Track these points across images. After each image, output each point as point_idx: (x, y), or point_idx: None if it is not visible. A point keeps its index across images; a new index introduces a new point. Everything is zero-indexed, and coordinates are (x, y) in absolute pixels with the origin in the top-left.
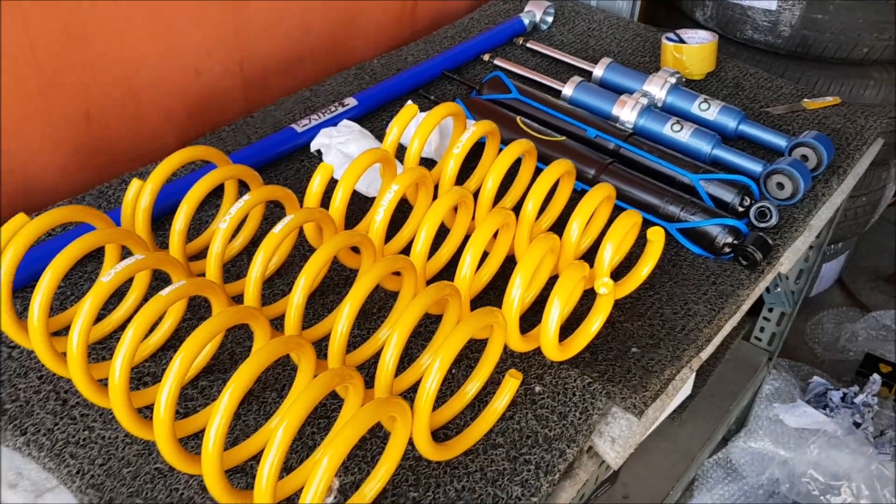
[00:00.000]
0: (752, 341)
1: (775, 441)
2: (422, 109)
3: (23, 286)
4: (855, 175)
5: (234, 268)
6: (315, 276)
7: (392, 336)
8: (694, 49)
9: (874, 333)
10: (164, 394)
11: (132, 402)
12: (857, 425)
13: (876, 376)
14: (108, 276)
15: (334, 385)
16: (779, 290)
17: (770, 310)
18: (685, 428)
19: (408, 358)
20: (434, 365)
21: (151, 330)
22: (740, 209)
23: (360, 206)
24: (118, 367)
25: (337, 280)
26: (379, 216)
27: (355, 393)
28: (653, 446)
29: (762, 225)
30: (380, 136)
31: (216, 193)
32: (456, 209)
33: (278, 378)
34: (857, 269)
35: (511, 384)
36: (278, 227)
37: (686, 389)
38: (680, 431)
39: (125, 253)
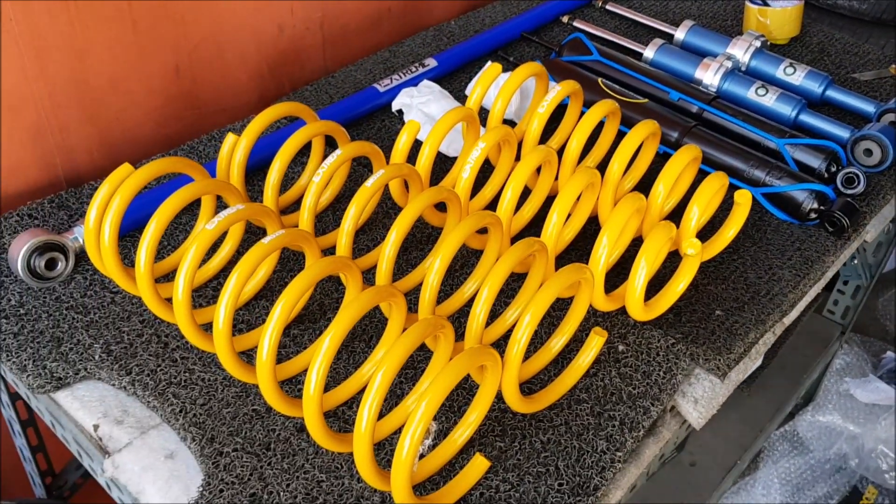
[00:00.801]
0: (825, 314)
1: (844, 416)
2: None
3: (123, 235)
4: None
5: (320, 223)
6: (406, 229)
7: (484, 288)
8: (778, 12)
9: None
10: (267, 338)
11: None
12: None
13: None
14: (213, 224)
15: (430, 333)
16: (856, 261)
17: (845, 283)
18: (754, 399)
19: (493, 315)
20: (525, 317)
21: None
22: (826, 175)
23: (440, 165)
24: (223, 311)
25: (420, 237)
26: (465, 173)
27: (446, 342)
28: (721, 415)
29: (849, 192)
30: (459, 97)
31: (302, 151)
32: (539, 169)
33: (366, 329)
34: None
35: (597, 341)
36: (371, 181)
37: (757, 360)
38: (749, 402)
39: (220, 205)
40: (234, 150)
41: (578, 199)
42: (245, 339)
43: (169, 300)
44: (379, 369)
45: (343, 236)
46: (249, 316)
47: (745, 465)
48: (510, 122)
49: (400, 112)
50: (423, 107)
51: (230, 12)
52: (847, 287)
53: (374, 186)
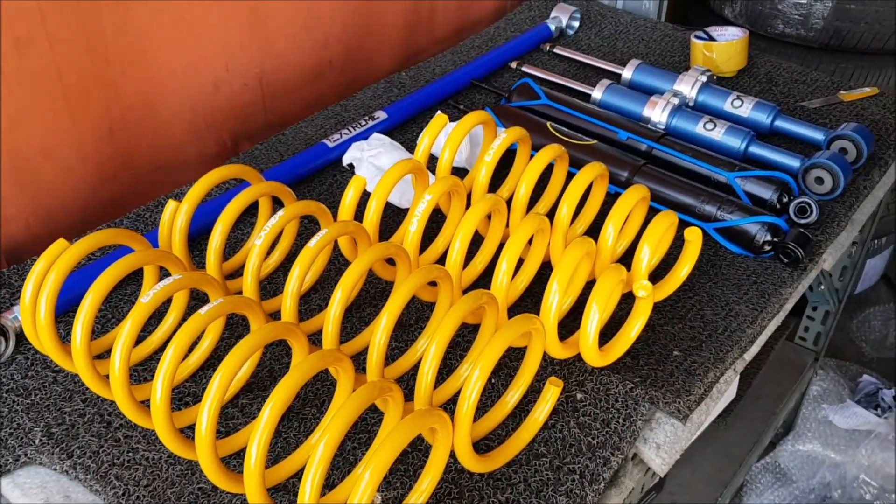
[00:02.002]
0: (796, 341)
1: (825, 443)
2: (451, 119)
3: (65, 311)
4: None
5: (271, 285)
6: (351, 289)
7: (429, 348)
8: (724, 46)
9: None
10: (205, 413)
11: (174, 422)
12: None
13: None
14: (147, 297)
15: (373, 398)
16: (822, 287)
17: (814, 308)
18: (732, 432)
19: (447, 369)
20: (473, 375)
21: (191, 350)
22: (779, 206)
23: (393, 217)
24: (159, 387)
25: (373, 293)
26: (413, 227)
27: (395, 406)
28: (699, 451)
29: (802, 221)
30: (411, 148)
31: (251, 212)
32: (490, 217)
33: (318, 394)
34: None
35: (552, 392)
36: (313, 241)
37: (731, 393)
38: (726, 436)
39: (164, 274)
40: (175, 216)
41: (531, 244)
42: (190, 414)
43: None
44: (318, 442)
45: (287, 299)
46: (196, 388)
47: (726, 501)
48: (462, 171)
49: (351, 166)
50: (373, 160)
51: (163, 73)
52: (816, 313)
53: (317, 247)
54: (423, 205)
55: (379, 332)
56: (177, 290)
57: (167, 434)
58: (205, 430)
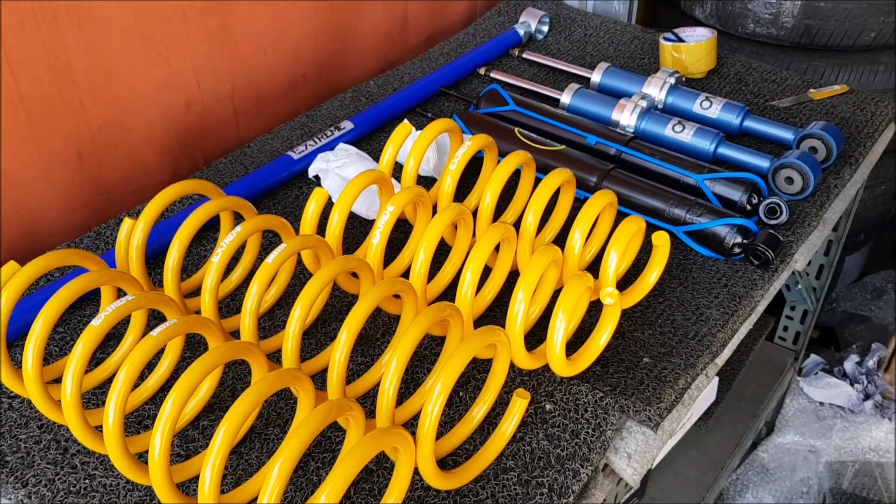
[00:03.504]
0: (776, 341)
1: (801, 433)
2: (420, 127)
3: (21, 335)
4: (868, 164)
5: (235, 301)
6: (310, 306)
7: (390, 364)
8: (692, 47)
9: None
10: (158, 437)
11: (130, 447)
12: (868, 396)
13: (876, 344)
14: (98, 320)
15: (330, 419)
16: (799, 287)
17: (792, 308)
18: (713, 435)
19: (414, 383)
20: (434, 391)
21: (152, 370)
22: (749, 207)
23: (360, 229)
24: (111, 412)
25: (339, 307)
26: (376, 239)
27: (356, 425)
28: (680, 456)
29: (773, 222)
30: (378, 158)
31: (216, 227)
32: (456, 227)
33: (281, 413)
34: (883, 260)
35: (519, 405)
36: (271, 257)
37: (710, 395)
38: (708, 439)
39: (121, 295)
40: (132, 234)
41: (499, 253)
42: (145, 438)
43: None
44: (273, 465)
45: (246, 317)
46: (156, 411)
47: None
48: (431, 180)
49: (317, 178)
50: (339, 171)
51: (132, 93)
52: (795, 312)
53: (275, 263)
54: (385, 216)
55: (339, 350)
56: (129, 312)
57: (121, 460)
58: (158, 455)
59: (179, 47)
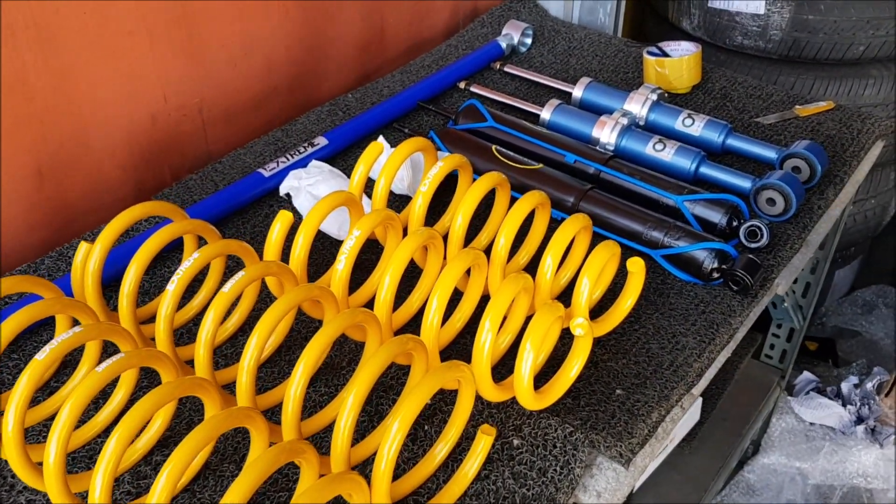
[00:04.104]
0: (762, 359)
1: (788, 454)
2: (397, 142)
3: None
4: (854, 183)
5: (197, 326)
6: (266, 339)
7: (345, 404)
8: (676, 62)
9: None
10: (98, 478)
11: (75, 484)
12: (861, 420)
13: (878, 368)
14: (42, 354)
15: (280, 463)
16: (785, 305)
17: (779, 326)
18: (697, 456)
19: (378, 415)
20: (390, 432)
21: (108, 399)
22: (728, 230)
23: (331, 249)
24: (52, 450)
25: (305, 333)
26: (340, 265)
27: (308, 469)
28: (663, 478)
29: (753, 245)
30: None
31: (181, 249)
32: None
33: (238, 448)
34: (874, 274)
35: (484, 443)
36: (228, 286)
37: (694, 415)
38: (691, 460)
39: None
40: (87, 259)
41: (470, 278)
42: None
43: None
44: None
45: (200, 348)
46: None
47: None
48: (406, 199)
49: (289, 196)
50: (311, 189)
51: (93, 108)
52: (781, 330)
53: (231, 292)
54: (350, 241)
55: (294, 385)
56: (76, 345)
57: (61, 499)
58: (98, 495)
59: (144, 61)
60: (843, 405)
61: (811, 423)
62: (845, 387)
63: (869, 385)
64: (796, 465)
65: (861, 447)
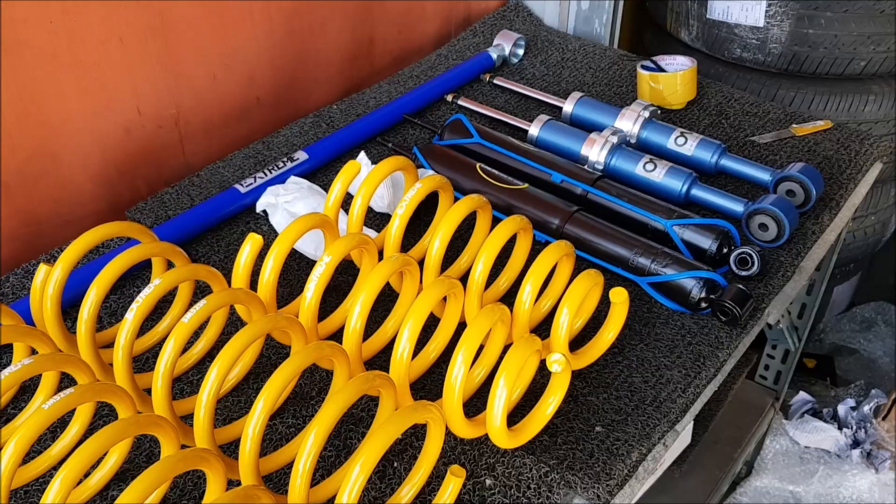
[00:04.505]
0: (756, 380)
1: (781, 477)
2: (380, 156)
3: None
4: (850, 206)
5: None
6: (226, 372)
7: (304, 447)
8: (670, 77)
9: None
10: None
11: None
12: (857, 443)
13: (876, 391)
14: None
15: None
16: (780, 326)
17: (773, 346)
18: (687, 480)
19: (346, 450)
20: (351, 476)
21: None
22: (718, 257)
23: (306, 270)
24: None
25: (276, 360)
26: (309, 293)
27: None
28: (652, 502)
29: (744, 273)
30: None
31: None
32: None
33: (198, 483)
34: (873, 290)
35: (453, 485)
36: (188, 316)
37: (686, 438)
38: (682, 483)
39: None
40: (46, 283)
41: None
42: None
43: None
44: None
45: (158, 381)
46: None
47: None
48: (387, 218)
49: (266, 212)
50: (288, 206)
51: (64, 120)
52: (776, 351)
53: (192, 323)
54: (320, 268)
55: (252, 423)
56: (26, 377)
57: None
58: None
59: (116, 72)
60: (840, 428)
61: (806, 447)
62: (842, 409)
63: (866, 408)
64: (790, 489)
65: (856, 471)
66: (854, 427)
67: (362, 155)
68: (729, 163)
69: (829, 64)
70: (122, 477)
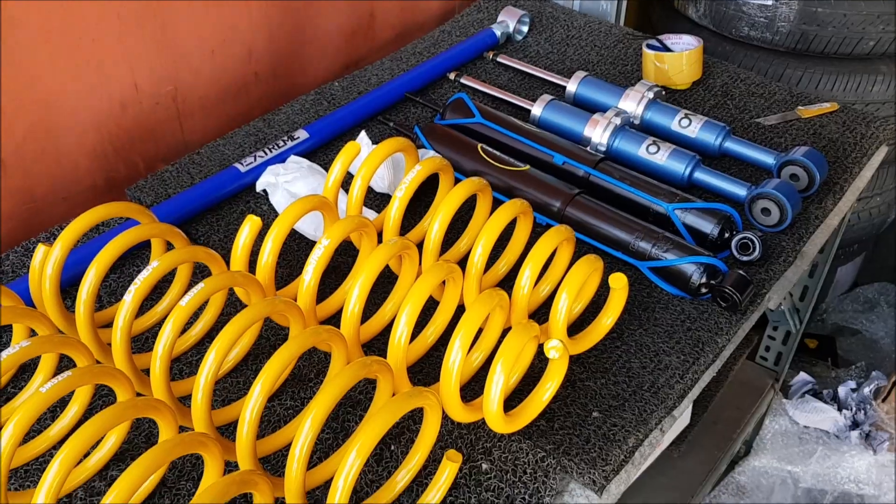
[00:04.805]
0: (757, 360)
1: (780, 457)
2: (381, 136)
3: None
4: (854, 190)
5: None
6: (224, 355)
7: (300, 433)
8: (676, 57)
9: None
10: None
11: (19, 499)
12: (856, 424)
13: (877, 372)
14: None
15: (232, 495)
16: (782, 308)
17: (775, 328)
18: (686, 460)
19: (343, 432)
20: (347, 461)
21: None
22: (720, 241)
23: (306, 251)
24: None
25: (274, 341)
26: (308, 276)
27: (262, 498)
28: (650, 482)
29: (745, 258)
30: None
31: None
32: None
33: (196, 465)
34: (877, 271)
35: (449, 470)
36: (186, 300)
37: (684, 419)
38: (680, 464)
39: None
40: (45, 263)
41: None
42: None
43: None
44: None
45: (156, 363)
46: None
47: None
48: (387, 198)
49: (266, 192)
50: (288, 186)
51: (59, 97)
52: (777, 332)
53: (189, 306)
54: (318, 251)
55: (249, 407)
56: (24, 360)
57: None
58: None
59: (112, 49)
60: (839, 409)
61: (805, 427)
62: (842, 390)
63: (866, 390)
64: (788, 469)
65: (855, 452)
66: (854, 408)
67: (363, 135)
68: (733, 145)
69: (837, 43)
70: (122, 457)
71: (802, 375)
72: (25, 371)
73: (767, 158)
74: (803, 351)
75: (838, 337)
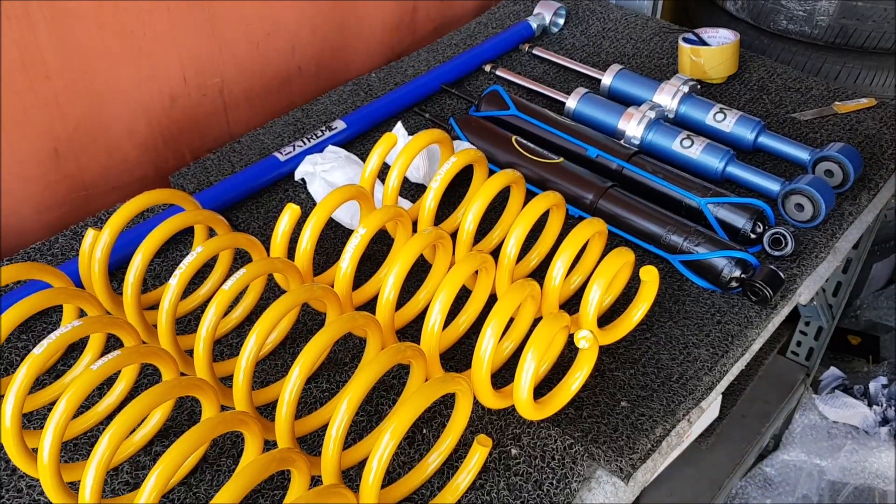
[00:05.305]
0: (788, 355)
1: (808, 451)
2: (417, 127)
3: None
4: (890, 187)
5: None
6: (264, 338)
7: (336, 414)
8: (712, 51)
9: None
10: (89, 477)
11: (71, 473)
12: (886, 421)
13: None
14: (41, 349)
15: (270, 472)
16: (814, 303)
17: (807, 323)
18: (714, 453)
19: (378, 415)
20: (381, 442)
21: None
22: (753, 236)
23: (343, 238)
24: (47, 442)
25: (311, 326)
26: (345, 264)
27: (299, 476)
28: (677, 474)
29: (777, 253)
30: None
31: (191, 233)
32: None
33: (236, 442)
34: None
35: (479, 455)
36: (228, 284)
37: (713, 411)
38: (708, 456)
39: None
40: (94, 247)
41: (477, 280)
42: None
43: None
44: None
45: (200, 345)
46: None
47: None
48: (422, 188)
49: (304, 181)
50: (326, 175)
51: (111, 88)
52: (809, 328)
53: (232, 290)
54: (355, 240)
55: (288, 389)
56: (75, 339)
57: (53, 490)
58: (88, 495)
59: (163, 41)
60: (869, 405)
61: (834, 422)
62: (873, 386)
63: None
64: (815, 462)
65: (883, 448)
66: (884, 404)
67: (399, 126)
68: (767, 140)
69: (877, 38)
70: (165, 434)
71: (833, 370)
72: (74, 350)
73: (802, 154)
74: (846, 348)
75: (871, 334)
